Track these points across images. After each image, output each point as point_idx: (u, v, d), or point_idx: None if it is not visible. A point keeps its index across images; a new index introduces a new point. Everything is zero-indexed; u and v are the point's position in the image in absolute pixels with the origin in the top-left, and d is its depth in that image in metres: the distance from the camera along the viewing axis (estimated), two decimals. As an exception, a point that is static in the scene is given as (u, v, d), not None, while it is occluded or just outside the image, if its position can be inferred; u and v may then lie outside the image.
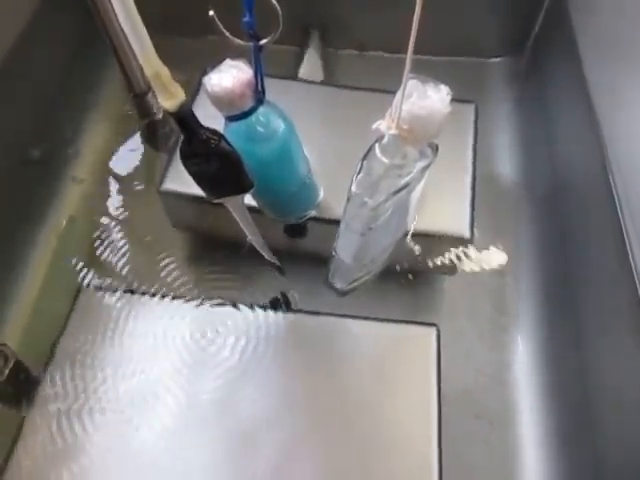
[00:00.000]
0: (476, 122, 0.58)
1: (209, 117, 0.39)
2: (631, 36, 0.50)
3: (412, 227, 0.51)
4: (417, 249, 0.53)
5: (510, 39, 0.77)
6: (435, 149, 0.40)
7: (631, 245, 0.44)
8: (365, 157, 0.40)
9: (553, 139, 0.65)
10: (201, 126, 0.36)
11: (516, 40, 0.77)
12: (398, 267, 0.54)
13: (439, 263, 0.54)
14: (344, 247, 0.47)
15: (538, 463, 0.51)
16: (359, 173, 0.40)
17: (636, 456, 0.41)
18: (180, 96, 0.33)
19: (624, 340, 0.44)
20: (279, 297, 0.55)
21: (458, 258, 0.53)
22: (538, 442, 0.52)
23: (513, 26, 0.76)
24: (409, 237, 0.51)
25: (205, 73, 0.39)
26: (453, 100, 0.36)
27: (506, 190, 0.67)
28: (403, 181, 0.39)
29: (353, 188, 0.40)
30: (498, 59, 0.79)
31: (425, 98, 0.35)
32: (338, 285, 0.54)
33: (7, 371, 0.45)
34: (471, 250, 0.54)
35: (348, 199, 0.41)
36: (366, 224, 0.42)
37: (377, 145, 0.39)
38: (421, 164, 0.39)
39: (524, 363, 0.56)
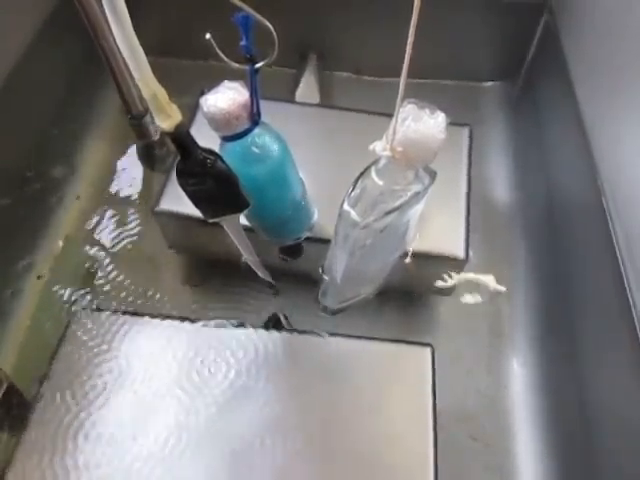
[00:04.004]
0: (470, 144, 0.59)
1: (208, 138, 0.39)
2: (622, 61, 0.51)
3: (411, 248, 0.51)
4: (413, 270, 0.53)
5: (504, 64, 0.79)
6: (433, 176, 0.40)
7: (625, 266, 0.44)
8: (360, 177, 0.40)
9: (547, 162, 0.65)
10: (197, 146, 0.36)
11: (510, 65, 0.78)
12: (393, 287, 0.54)
13: (434, 284, 0.54)
14: (333, 266, 0.47)
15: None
16: (352, 191, 0.40)
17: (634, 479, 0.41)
18: (177, 117, 0.33)
19: (621, 360, 0.44)
20: (277, 315, 0.55)
21: (453, 279, 0.53)
22: (534, 464, 0.51)
23: (507, 51, 0.77)
24: (407, 258, 0.51)
25: (202, 94, 0.39)
26: (448, 123, 0.36)
27: (501, 212, 0.67)
28: (396, 203, 0.39)
29: (344, 205, 0.40)
30: (492, 83, 0.80)
31: (420, 123, 0.35)
32: (327, 304, 0.53)
33: (0, 395, 0.45)
34: (466, 271, 0.54)
35: (339, 215, 0.41)
36: (355, 244, 0.42)
37: (373, 166, 0.39)
38: (416, 188, 0.39)
39: (520, 385, 0.55)
